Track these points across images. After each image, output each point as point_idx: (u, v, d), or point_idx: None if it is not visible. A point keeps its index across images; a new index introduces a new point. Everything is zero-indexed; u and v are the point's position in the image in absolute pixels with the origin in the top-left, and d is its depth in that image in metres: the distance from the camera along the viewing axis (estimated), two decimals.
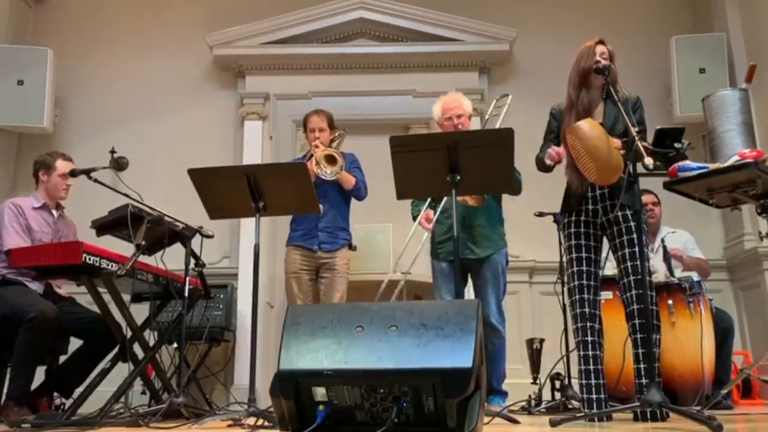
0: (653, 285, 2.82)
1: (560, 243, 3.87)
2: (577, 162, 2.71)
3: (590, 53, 2.88)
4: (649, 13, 5.46)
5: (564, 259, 2.99)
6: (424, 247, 3.78)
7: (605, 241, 2.97)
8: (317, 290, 3.91)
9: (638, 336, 2.69)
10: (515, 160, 3.64)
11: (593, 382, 2.78)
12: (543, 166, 3.00)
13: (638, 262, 2.71)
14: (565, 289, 3.26)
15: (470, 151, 2.75)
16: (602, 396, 2.77)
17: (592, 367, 2.80)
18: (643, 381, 2.66)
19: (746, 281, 4.82)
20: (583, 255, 2.89)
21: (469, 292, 3.71)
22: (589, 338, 2.81)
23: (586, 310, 2.84)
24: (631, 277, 2.74)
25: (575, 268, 2.89)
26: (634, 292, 2.72)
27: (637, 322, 2.70)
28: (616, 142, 2.67)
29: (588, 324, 2.82)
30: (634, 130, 2.49)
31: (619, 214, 2.82)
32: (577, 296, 2.86)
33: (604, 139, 2.62)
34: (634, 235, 2.75)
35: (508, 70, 5.38)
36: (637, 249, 2.73)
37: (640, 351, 2.69)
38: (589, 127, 2.64)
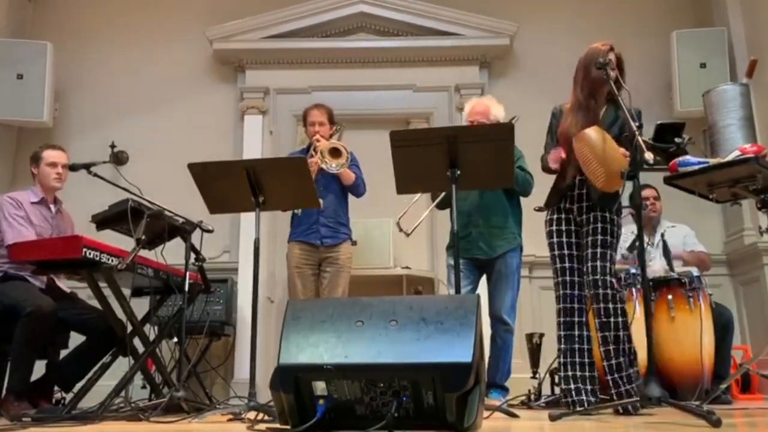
0: (613, 284, 2.86)
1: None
2: (584, 167, 2.75)
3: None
4: (649, 8, 5.44)
5: (549, 254, 3.04)
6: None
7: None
8: (319, 285, 3.92)
9: (607, 334, 2.79)
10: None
11: (578, 374, 2.85)
12: (546, 169, 3.05)
13: (598, 263, 2.82)
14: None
15: (470, 146, 2.76)
16: (589, 387, 2.84)
17: (578, 360, 2.86)
18: (614, 376, 2.77)
19: (746, 276, 4.82)
20: (563, 252, 2.95)
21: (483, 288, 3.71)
22: (576, 332, 2.88)
23: (572, 305, 2.90)
24: (591, 277, 2.83)
25: (558, 265, 2.96)
26: (596, 291, 2.81)
27: (607, 320, 2.79)
28: (623, 150, 2.70)
29: (574, 319, 2.89)
30: (634, 125, 2.49)
31: (596, 215, 2.89)
32: (561, 292, 2.93)
33: (613, 146, 2.68)
34: (599, 237, 2.84)
35: (509, 64, 5.37)
36: (598, 250, 2.84)
37: (611, 348, 2.78)
38: (596, 134, 2.70)
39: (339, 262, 3.88)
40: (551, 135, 3.10)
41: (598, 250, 2.83)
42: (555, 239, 2.98)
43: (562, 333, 2.90)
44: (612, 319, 2.79)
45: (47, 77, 4.94)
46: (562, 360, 2.90)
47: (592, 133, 2.72)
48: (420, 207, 3.85)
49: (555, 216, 3.00)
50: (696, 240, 4.16)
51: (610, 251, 2.83)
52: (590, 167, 2.72)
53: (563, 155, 2.87)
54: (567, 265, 2.93)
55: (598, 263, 2.82)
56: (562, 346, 2.90)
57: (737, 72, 4.84)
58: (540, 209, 3.92)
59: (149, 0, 5.53)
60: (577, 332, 2.88)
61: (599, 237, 2.85)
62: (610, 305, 2.79)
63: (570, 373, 2.86)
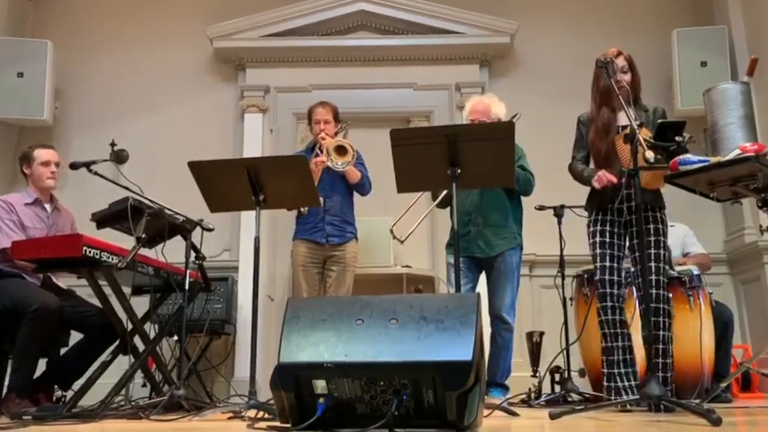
0: (665, 285, 2.99)
1: (560, 236, 3.87)
2: (627, 166, 2.84)
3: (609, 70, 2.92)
4: (650, 6, 5.44)
5: (590, 253, 3.13)
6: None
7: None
8: (324, 283, 3.91)
9: (657, 333, 2.86)
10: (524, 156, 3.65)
11: (622, 371, 2.94)
12: (582, 180, 3.13)
13: (658, 264, 2.93)
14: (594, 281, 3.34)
15: (470, 144, 2.76)
16: (633, 383, 2.94)
17: (620, 357, 2.95)
18: (665, 374, 2.85)
19: (746, 275, 4.82)
20: (607, 252, 3.03)
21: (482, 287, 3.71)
22: (615, 330, 2.97)
23: (613, 304, 2.98)
24: (658, 276, 2.92)
25: (599, 264, 3.03)
26: (653, 291, 2.89)
27: (661, 320, 2.88)
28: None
29: (611, 317, 2.97)
30: (635, 124, 2.51)
31: (642, 214, 2.95)
32: (601, 291, 3.01)
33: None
34: (653, 238, 2.96)
35: (509, 63, 5.36)
36: (652, 251, 2.94)
37: (660, 347, 2.87)
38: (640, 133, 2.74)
39: (345, 261, 3.88)
40: (581, 141, 3.19)
41: (652, 251, 2.95)
42: (598, 239, 3.06)
43: (606, 331, 2.98)
44: (661, 319, 2.90)
45: (48, 76, 4.94)
46: (605, 358, 2.98)
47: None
48: (417, 208, 3.84)
49: (600, 217, 3.07)
50: (695, 239, 4.16)
51: (663, 251, 2.96)
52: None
53: (614, 180, 2.95)
54: (608, 264, 3.01)
55: (653, 264, 2.93)
56: (606, 344, 2.98)
57: (738, 70, 4.83)
58: (542, 207, 3.94)
59: None
60: (620, 330, 2.97)
61: (652, 238, 2.97)
62: (661, 306, 2.90)
63: (615, 371, 2.94)
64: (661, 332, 2.87)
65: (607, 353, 2.98)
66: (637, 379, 2.95)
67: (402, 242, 3.66)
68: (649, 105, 3.11)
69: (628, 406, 2.76)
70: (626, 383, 2.92)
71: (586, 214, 3.23)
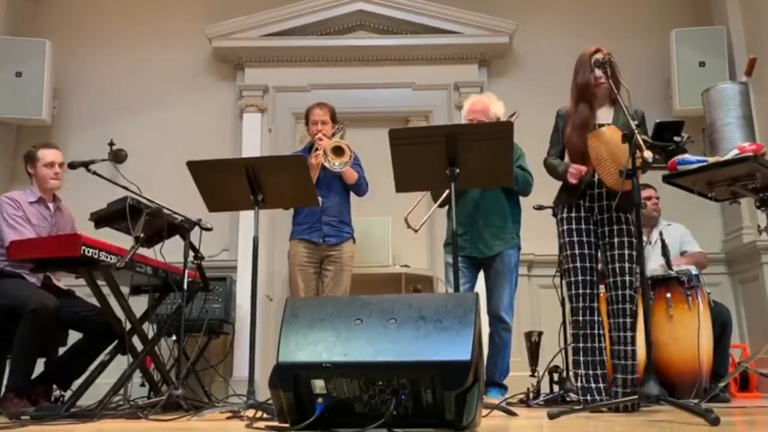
0: (633, 285, 2.94)
1: (559, 236, 3.87)
2: (596, 165, 2.83)
3: (586, 67, 2.94)
4: (649, 6, 5.44)
5: (562, 254, 3.06)
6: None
7: None
8: (320, 283, 3.92)
9: (624, 334, 2.86)
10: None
11: (598, 372, 2.89)
12: (556, 175, 3.09)
13: (625, 264, 2.90)
14: (564, 282, 3.31)
15: (469, 144, 2.76)
16: (602, 385, 2.87)
17: (590, 358, 2.90)
18: (625, 376, 2.86)
19: (745, 274, 4.83)
20: (578, 251, 2.98)
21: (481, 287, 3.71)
22: (589, 331, 2.91)
23: (584, 304, 2.93)
24: (618, 278, 2.91)
25: (572, 264, 2.98)
26: (620, 292, 2.89)
27: (627, 320, 2.88)
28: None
29: (587, 318, 2.92)
30: (633, 123, 2.51)
31: (613, 215, 2.96)
32: (574, 291, 2.96)
33: (624, 145, 2.69)
34: (625, 238, 2.93)
35: (508, 63, 5.36)
36: (624, 252, 2.92)
37: (622, 348, 2.87)
38: (611, 133, 2.76)
39: (342, 261, 3.88)
40: (557, 135, 3.15)
41: (626, 251, 2.93)
42: (569, 238, 3.02)
43: (579, 332, 2.94)
44: (621, 320, 2.87)
45: (46, 75, 4.93)
46: (576, 358, 2.94)
47: (607, 131, 2.78)
48: (425, 203, 3.85)
49: (570, 214, 3.03)
50: (692, 239, 4.16)
51: (632, 251, 2.92)
52: (603, 165, 2.79)
53: (583, 169, 2.93)
54: (580, 264, 2.97)
55: (626, 264, 2.91)
56: (580, 344, 2.94)
57: (736, 70, 4.84)
58: (540, 207, 3.95)
59: None
60: (590, 330, 2.93)
61: (625, 239, 2.94)
62: (628, 305, 2.88)
63: (590, 372, 2.90)
64: (623, 333, 2.86)
65: (578, 353, 2.93)
66: (606, 381, 2.91)
67: (416, 231, 3.66)
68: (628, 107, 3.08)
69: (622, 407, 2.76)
70: (598, 385, 2.87)
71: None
